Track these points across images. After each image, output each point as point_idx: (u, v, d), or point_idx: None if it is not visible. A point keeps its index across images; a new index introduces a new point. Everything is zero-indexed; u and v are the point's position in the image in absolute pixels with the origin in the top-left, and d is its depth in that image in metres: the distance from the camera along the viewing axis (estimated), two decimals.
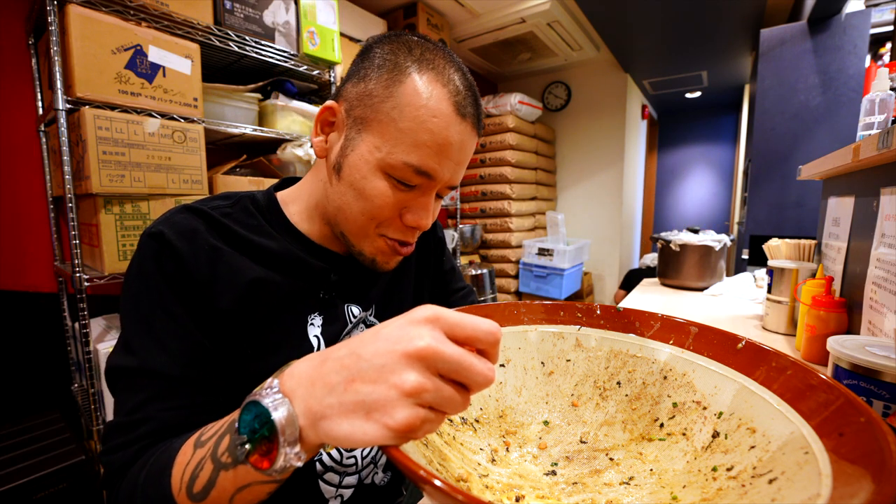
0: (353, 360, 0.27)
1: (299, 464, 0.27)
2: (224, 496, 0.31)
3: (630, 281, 3.27)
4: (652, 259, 3.28)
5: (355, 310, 0.56)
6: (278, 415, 0.27)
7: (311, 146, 0.53)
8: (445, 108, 0.44)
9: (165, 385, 0.41)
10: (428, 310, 0.27)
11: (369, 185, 0.46)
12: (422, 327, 0.26)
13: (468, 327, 0.27)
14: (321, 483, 0.52)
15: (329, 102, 0.49)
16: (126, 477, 0.38)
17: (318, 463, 0.52)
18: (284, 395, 0.28)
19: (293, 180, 0.58)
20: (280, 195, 0.56)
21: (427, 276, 0.68)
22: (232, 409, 0.35)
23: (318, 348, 0.51)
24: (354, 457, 0.54)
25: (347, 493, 0.54)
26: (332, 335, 0.53)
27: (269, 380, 0.29)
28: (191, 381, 0.42)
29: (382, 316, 0.59)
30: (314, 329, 0.51)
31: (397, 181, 0.46)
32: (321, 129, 0.50)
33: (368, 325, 0.57)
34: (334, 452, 0.53)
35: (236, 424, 0.29)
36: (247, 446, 0.28)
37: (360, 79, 0.47)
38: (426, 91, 0.44)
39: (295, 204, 0.54)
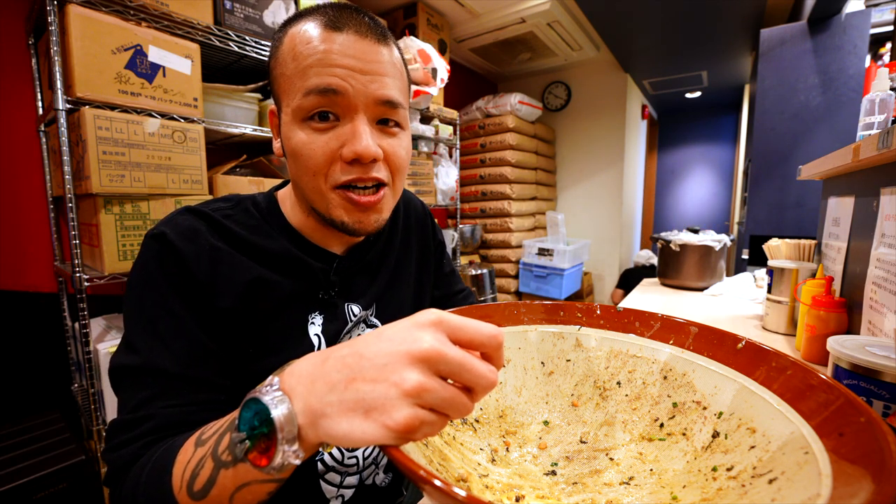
0: (355, 359, 0.27)
1: (297, 462, 0.27)
2: (224, 495, 0.31)
3: (627, 280, 3.27)
4: (647, 257, 3.28)
5: (355, 309, 0.56)
6: (277, 412, 0.27)
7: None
8: (314, 32, 0.44)
9: (168, 383, 0.41)
10: (432, 313, 0.28)
11: (295, 141, 0.46)
12: (425, 330, 0.27)
13: (471, 331, 0.27)
14: (322, 483, 0.52)
15: (272, 106, 0.51)
16: (129, 474, 0.38)
17: (319, 463, 0.52)
18: (284, 393, 0.28)
19: None
20: (279, 194, 0.56)
21: (427, 277, 0.68)
22: (235, 407, 0.35)
23: (319, 347, 0.51)
24: (356, 457, 0.55)
25: (348, 493, 0.54)
26: (333, 334, 0.53)
27: (270, 377, 0.29)
28: (194, 379, 0.43)
29: (383, 315, 0.59)
30: (315, 328, 0.52)
31: (313, 120, 0.45)
32: (277, 134, 0.52)
33: (369, 325, 0.58)
34: (336, 452, 0.53)
35: (236, 422, 0.29)
36: (246, 443, 0.28)
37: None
38: (295, 33, 0.46)
39: (288, 201, 0.55)
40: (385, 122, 0.48)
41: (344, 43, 0.44)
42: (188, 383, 0.42)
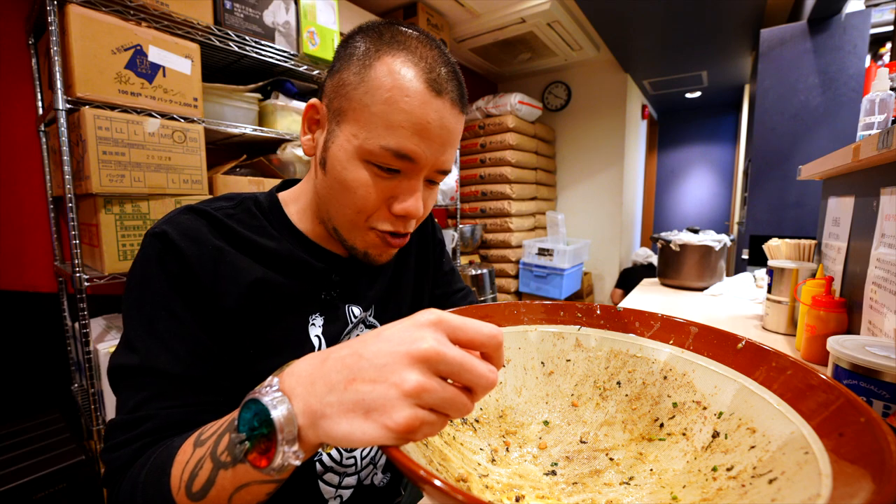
0: (355, 359, 0.27)
1: (297, 463, 0.27)
2: (223, 495, 0.31)
3: (626, 279, 3.27)
4: (646, 255, 3.28)
5: (356, 310, 0.56)
6: (277, 413, 0.27)
7: (301, 145, 0.53)
8: (417, 86, 0.42)
9: (168, 383, 0.41)
10: (431, 313, 0.27)
11: (350, 175, 0.45)
12: (425, 330, 0.26)
13: (471, 331, 0.27)
14: (321, 483, 0.52)
15: (313, 100, 0.49)
16: (127, 475, 0.38)
17: (317, 463, 0.52)
18: (284, 394, 0.28)
19: (296, 181, 0.59)
20: (281, 196, 0.56)
21: (427, 277, 0.68)
22: (234, 408, 0.35)
23: (320, 348, 0.51)
24: (354, 457, 0.55)
25: (347, 493, 0.54)
26: (334, 335, 0.53)
27: (270, 378, 0.29)
28: (193, 380, 0.42)
29: (382, 316, 0.59)
30: (315, 329, 0.52)
31: (378, 168, 0.44)
32: (308, 128, 0.50)
33: (368, 326, 0.57)
34: (334, 453, 0.53)
35: (236, 422, 0.29)
36: (245, 444, 0.28)
37: (336, 71, 0.47)
38: (396, 71, 0.42)
39: (294, 204, 0.55)
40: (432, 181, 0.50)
41: (439, 112, 0.43)
42: (187, 384, 0.42)
